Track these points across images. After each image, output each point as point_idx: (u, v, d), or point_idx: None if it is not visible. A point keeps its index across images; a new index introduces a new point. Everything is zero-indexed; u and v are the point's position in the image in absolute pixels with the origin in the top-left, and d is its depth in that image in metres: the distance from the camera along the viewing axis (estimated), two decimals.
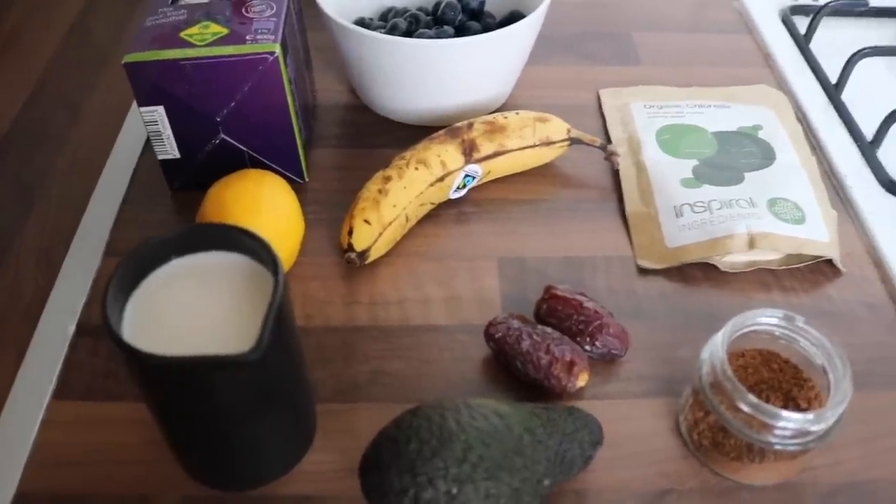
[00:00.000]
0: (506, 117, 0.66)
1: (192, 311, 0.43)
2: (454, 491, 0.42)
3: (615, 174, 0.70)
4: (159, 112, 0.60)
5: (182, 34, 0.59)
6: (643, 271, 0.62)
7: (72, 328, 0.57)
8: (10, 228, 0.61)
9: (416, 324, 0.58)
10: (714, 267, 0.62)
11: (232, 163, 0.63)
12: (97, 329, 0.57)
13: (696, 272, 0.62)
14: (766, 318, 0.50)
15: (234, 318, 0.43)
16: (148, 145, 0.71)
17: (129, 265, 0.43)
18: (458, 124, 0.65)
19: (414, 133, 0.71)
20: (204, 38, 0.58)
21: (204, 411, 0.43)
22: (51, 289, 0.60)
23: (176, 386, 0.41)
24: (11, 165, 0.66)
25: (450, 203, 0.66)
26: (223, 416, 0.43)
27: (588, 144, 0.68)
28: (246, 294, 0.43)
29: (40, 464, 0.50)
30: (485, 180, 0.67)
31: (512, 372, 0.55)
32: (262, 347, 0.39)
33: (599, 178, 0.70)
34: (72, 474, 0.50)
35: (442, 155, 0.63)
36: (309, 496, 0.49)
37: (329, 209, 0.65)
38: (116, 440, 0.51)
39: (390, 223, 0.59)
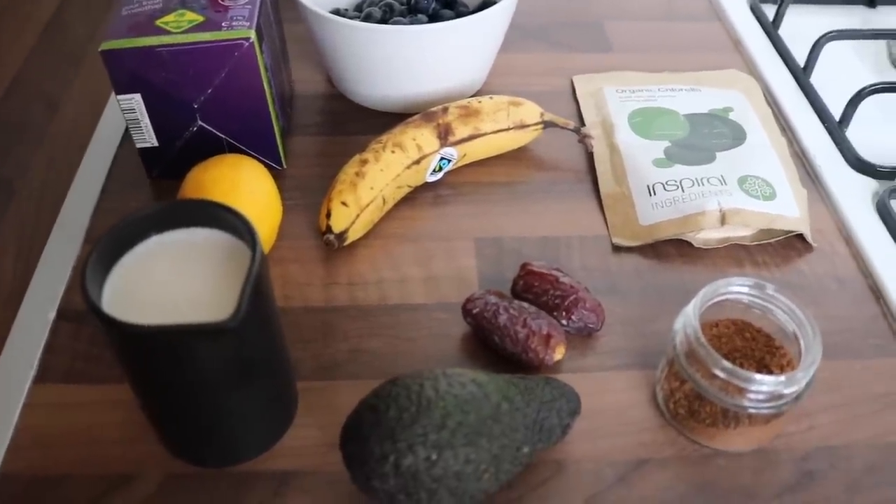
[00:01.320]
0: (480, 101, 0.67)
1: (171, 286, 0.44)
2: (434, 457, 0.43)
3: (589, 156, 0.71)
4: (137, 100, 0.61)
5: (158, 22, 0.59)
6: (617, 249, 0.63)
7: (52, 314, 0.58)
8: None
9: (394, 303, 0.58)
10: (687, 244, 0.63)
11: (210, 150, 0.64)
12: (78, 314, 0.58)
13: (670, 249, 0.63)
14: (736, 287, 0.51)
15: (214, 293, 0.43)
16: (126, 135, 0.71)
17: (109, 241, 0.43)
18: (433, 109, 0.66)
19: (390, 120, 0.71)
20: (180, 26, 0.59)
21: (183, 383, 0.43)
22: (31, 276, 0.60)
23: (155, 356, 0.41)
24: None
25: (427, 186, 0.67)
26: (202, 387, 0.43)
27: (561, 127, 0.69)
28: (226, 270, 0.44)
29: (22, 446, 0.51)
30: (460, 164, 0.67)
31: (490, 347, 0.55)
32: (240, 315, 0.39)
33: (573, 161, 0.71)
34: (54, 456, 0.50)
35: (418, 138, 0.63)
36: (290, 471, 0.50)
37: (307, 195, 0.66)
38: (98, 421, 0.52)
39: (367, 205, 0.60)
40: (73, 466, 0.50)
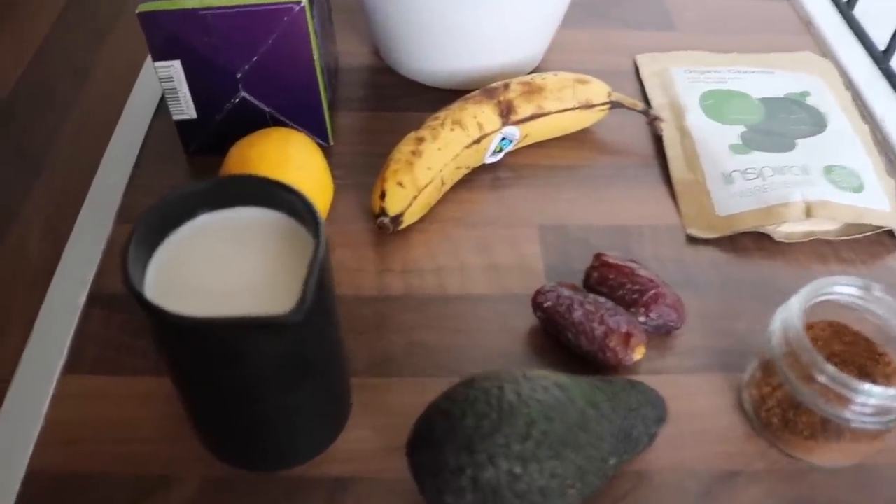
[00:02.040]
0: (544, 78, 0.62)
1: (222, 271, 0.39)
2: (517, 470, 0.38)
3: (657, 140, 0.66)
4: (175, 67, 0.56)
5: None
6: (692, 240, 0.58)
7: (82, 298, 0.53)
8: (15, 197, 0.57)
9: (453, 293, 0.54)
10: (765, 237, 0.58)
11: (252, 124, 0.59)
12: (110, 299, 0.53)
13: (748, 242, 0.58)
14: (843, 287, 0.46)
15: (270, 280, 0.38)
16: (161, 107, 0.66)
17: (152, 219, 0.38)
18: (494, 85, 0.61)
19: (442, 96, 0.67)
20: None
21: (234, 380, 0.38)
22: (59, 258, 0.55)
23: (205, 351, 0.36)
24: (14, 131, 0.62)
25: (484, 168, 0.62)
26: (256, 385, 0.39)
27: (629, 108, 0.64)
28: (282, 255, 0.39)
29: (51, 441, 0.46)
30: (521, 144, 0.62)
31: (562, 344, 0.51)
32: (304, 308, 0.35)
33: (639, 144, 0.65)
34: (85, 452, 0.46)
35: (478, 116, 0.58)
36: (345, 477, 0.45)
37: (355, 174, 0.61)
38: (131, 416, 0.47)
39: (425, 186, 0.55)
40: (105, 465, 0.45)
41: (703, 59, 0.73)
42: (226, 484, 0.45)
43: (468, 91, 0.65)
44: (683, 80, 0.69)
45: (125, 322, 0.52)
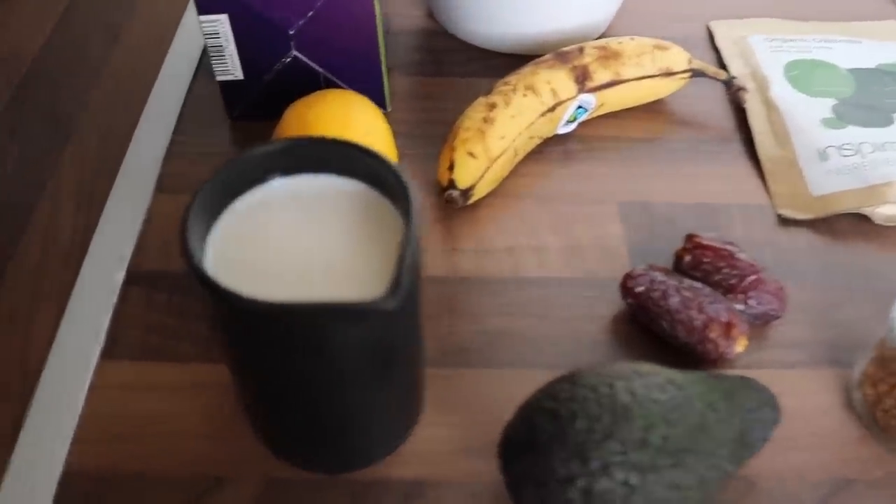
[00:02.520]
0: (620, 42, 0.57)
1: (292, 246, 0.34)
2: (634, 481, 0.33)
3: (737, 112, 0.60)
4: (222, 22, 0.51)
5: None
6: (785, 221, 0.53)
7: (120, 276, 0.48)
8: (45, 165, 0.52)
9: (531, 275, 0.48)
10: (864, 218, 0.53)
11: (303, 86, 0.54)
12: (150, 276, 0.48)
13: (845, 224, 0.53)
14: None
15: (348, 258, 0.33)
16: (201, 67, 0.61)
17: (216, 185, 0.33)
18: (567, 48, 0.56)
19: (503, 62, 0.61)
20: None
21: (310, 374, 0.33)
22: (93, 232, 0.50)
23: (280, 342, 0.31)
24: (43, 94, 0.56)
25: (554, 139, 0.57)
26: (334, 379, 0.34)
27: (710, 77, 0.58)
28: (362, 229, 0.34)
29: (90, 438, 0.41)
30: (594, 114, 0.57)
31: (653, 333, 0.46)
32: (399, 294, 0.29)
33: (717, 117, 0.60)
34: (127, 450, 0.41)
35: (552, 82, 0.53)
36: (420, 480, 0.40)
37: (415, 142, 0.56)
38: (179, 409, 0.42)
39: (498, 157, 0.50)
40: (151, 464, 0.40)
41: (782, 26, 0.68)
42: (287, 486, 0.40)
43: (530, 56, 0.60)
44: (764, 49, 0.64)
45: (169, 302, 0.47)
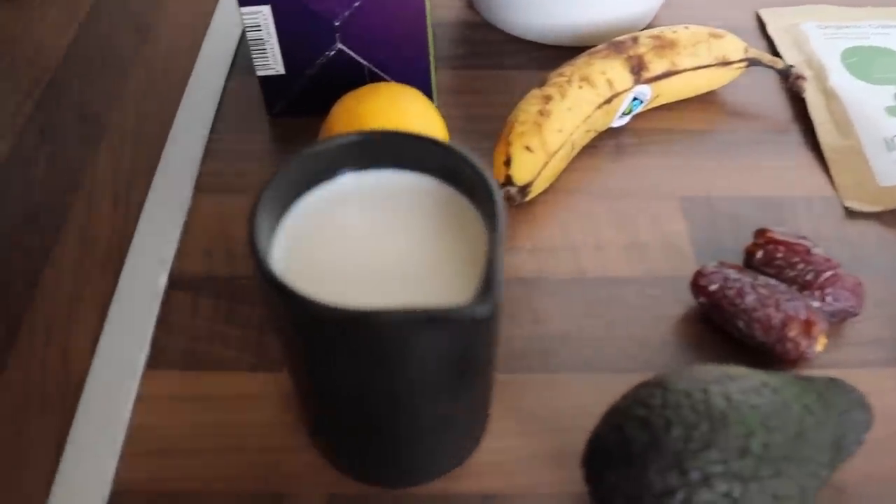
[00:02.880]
0: (675, 31, 0.54)
1: (364, 246, 0.32)
2: (736, 493, 0.31)
3: (793, 102, 0.58)
4: (265, 14, 0.48)
5: None
6: (852, 214, 0.51)
7: (163, 280, 0.46)
8: (78, 165, 0.49)
9: (593, 275, 0.46)
10: None
11: (347, 81, 0.52)
12: (195, 280, 0.46)
13: None
14: None
15: (424, 258, 0.31)
16: (235, 65, 0.59)
17: (283, 180, 0.31)
18: (621, 38, 0.53)
19: (548, 54, 0.59)
20: None
21: (387, 384, 0.31)
22: (132, 234, 0.48)
23: (358, 351, 0.29)
24: (71, 92, 0.54)
25: (607, 133, 0.55)
26: (412, 390, 0.31)
27: (767, 66, 0.56)
28: (437, 227, 0.32)
29: (138, 452, 0.39)
30: (648, 107, 0.55)
31: (726, 333, 0.43)
32: (491, 300, 0.27)
33: (772, 107, 0.58)
34: (179, 465, 0.39)
35: (608, 72, 0.51)
36: (493, 493, 0.38)
37: (464, 138, 0.54)
38: (232, 421, 0.40)
39: (556, 152, 0.47)
40: (205, 480, 0.38)
41: (835, 13, 0.65)
42: (350, 502, 0.37)
43: (574, 48, 0.58)
44: (819, 37, 0.61)
45: (216, 307, 0.44)
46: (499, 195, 0.30)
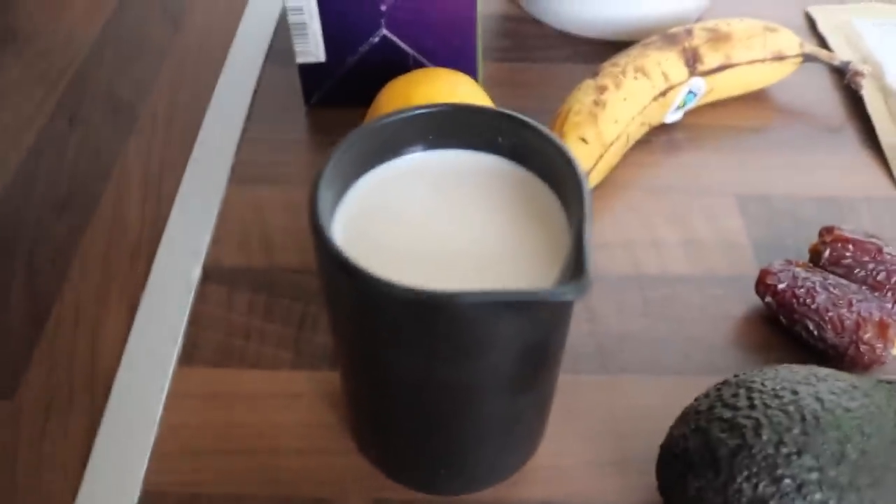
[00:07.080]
0: (729, 24, 0.52)
1: (431, 226, 0.30)
2: (832, 502, 0.28)
3: (848, 99, 0.56)
4: None
5: None
6: None
7: (196, 272, 0.44)
8: (108, 153, 0.47)
9: (651, 273, 0.44)
10: None
11: (390, 70, 0.50)
12: (230, 273, 0.43)
13: None
14: None
15: (495, 240, 0.29)
16: (271, 53, 0.56)
17: (347, 155, 0.29)
18: (675, 30, 0.51)
19: (596, 48, 0.57)
20: None
21: (453, 379, 0.28)
22: (164, 225, 0.46)
23: (428, 339, 0.26)
24: (102, 81, 0.52)
25: (659, 128, 0.52)
26: (483, 384, 0.29)
27: (824, 62, 0.54)
28: (509, 208, 0.30)
29: (170, 453, 0.37)
30: (700, 102, 0.52)
31: (794, 335, 0.41)
32: (585, 282, 0.25)
33: (825, 105, 0.56)
34: (214, 467, 0.36)
35: (663, 64, 0.49)
36: (550, 501, 0.35)
37: None
38: (269, 421, 0.38)
39: (611, 143, 0.45)
40: (242, 484, 0.36)
41: (886, 10, 0.63)
42: None
43: (620, 42, 0.56)
44: (873, 34, 0.59)
45: (252, 301, 0.42)
46: (584, 174, 0.28)
